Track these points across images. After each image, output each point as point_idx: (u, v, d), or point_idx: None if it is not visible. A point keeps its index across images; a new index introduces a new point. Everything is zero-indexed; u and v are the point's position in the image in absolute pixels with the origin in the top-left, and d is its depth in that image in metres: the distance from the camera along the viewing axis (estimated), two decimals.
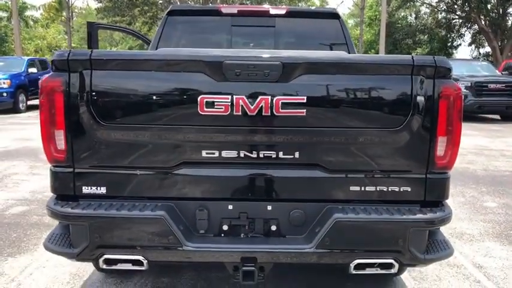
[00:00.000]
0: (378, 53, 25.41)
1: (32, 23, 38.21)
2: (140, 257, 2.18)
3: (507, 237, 4.09)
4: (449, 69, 2.20)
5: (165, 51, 2.42)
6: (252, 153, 2.18)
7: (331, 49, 4.04)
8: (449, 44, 33.62)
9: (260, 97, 2.10)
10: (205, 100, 2.10)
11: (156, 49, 3.95)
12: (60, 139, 2.17)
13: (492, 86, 13.24)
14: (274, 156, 2.18)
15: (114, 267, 2.28)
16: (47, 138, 2.18)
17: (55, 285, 3.07)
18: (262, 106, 2.10)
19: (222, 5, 3.93)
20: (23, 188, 5.38)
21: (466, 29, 32.58)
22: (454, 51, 34.50)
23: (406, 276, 3.29)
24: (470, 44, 33.56)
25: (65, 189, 2.23)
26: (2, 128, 10.43)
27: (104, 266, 2.24)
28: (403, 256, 2.19)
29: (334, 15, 4.01)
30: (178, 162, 2.19)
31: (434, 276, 3.31)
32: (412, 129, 2.18)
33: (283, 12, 3.99)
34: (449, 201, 2.37)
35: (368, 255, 2.19)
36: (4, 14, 34.85)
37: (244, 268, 2.17)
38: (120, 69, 2.16)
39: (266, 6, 4.07)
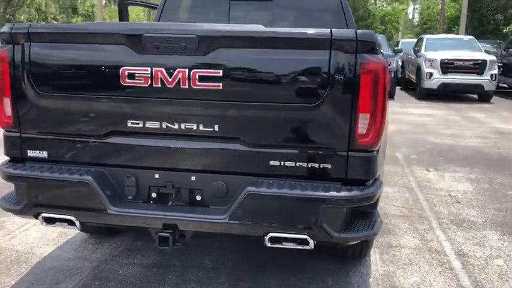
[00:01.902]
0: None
1: None
2: (72, 218, 2.35)
3: None
4: (374, 44, 2.11)
5: (91, 25, 2.54)
6: (173, 125, 2.25)
7: (327, 23, 3.94)
8: None
9: (178, 70, 2.15)
10: (126, 72, 2.19)
11: (158, 21, 4.10)
12: (8, 106, 2.38)
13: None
14: (194, 128, 2.24)
15: (52, 225, 2.48)
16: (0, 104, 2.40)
17: (42, 240, 3.38)
18: (179, 79, 2.16)
19: None
20: None
21: None
22: None
23: (376, 258, 3.23)
24: None
25: (14, 152, 2.45)
26: None
27: (44, 224, 2.44)
28: (315, 233, 2.17)
29: None
30: (107, 131, 2.32)
31: (406, 260, 3.22)
32: (331, 106, 2.12)
33: None
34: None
35: (281, 229, 2.20)
36: None
37: (160, 234, 2.28)
38: (53, 42, 2.32)
39: None
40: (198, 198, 2.34)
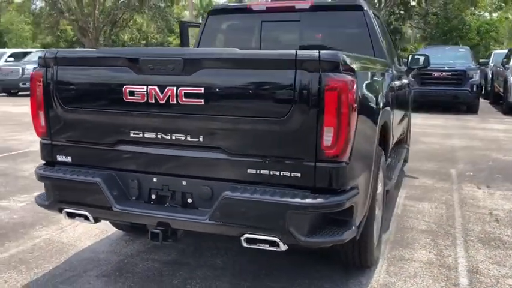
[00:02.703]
0: None
1: None
2: (87, 213, 2.77)
3: None
4: (337, 63, 2.28)
5: (102, 50, 2.95)
6: (166, 136, 2.58)
7: (352, 41, 4.09)
8: None
9: (167, 88, 2.48)
10: (128, 89, 2.57)
11: (198, 44, 4.52)
12: (42, 118, 2.86)
13: (436, 74, 12.74)
14: (183, 138, 2.55)
15: (74, 219, 2.91)
16: (35, 117, 2.90)
17: (85, 235, 3.87)
18: (169, 95, 2.48)
19: (254, 3, 4.25)
20: None
21: None
22: None
23: (382, 269, 3.30)
24: None
25: (47, 156, 2.93)
26: None
27: (67, 218, 2.89)
28: (283, 236, 2.37)
29: (357, 7, 4.04)
30: (116, 140, 2.71)
31: (411, 273, 3.25)
32: (299, 120, 2.32)
33: (307, 6, 4.17)
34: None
35: (253, 231, 2.42)
36: None
37: (152, 230, 2.61)
38: (73, 65, 2.77)
39: (293, 2, 4.27)
40: (189, 200, 2.63)
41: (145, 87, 2.53)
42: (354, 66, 2.43)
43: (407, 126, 6.20)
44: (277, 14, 4.28)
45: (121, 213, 2.66)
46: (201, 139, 2.52)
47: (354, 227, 2.52)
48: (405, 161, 6.55)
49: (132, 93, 2.56)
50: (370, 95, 2.77)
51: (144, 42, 37.91)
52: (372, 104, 2.78)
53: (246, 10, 4.40)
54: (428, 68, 13.19)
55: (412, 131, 9.08)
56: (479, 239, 3.87)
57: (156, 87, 2.51)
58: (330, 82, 2.27)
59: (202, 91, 2.43)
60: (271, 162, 2.43)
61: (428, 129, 9.95)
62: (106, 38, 34.83)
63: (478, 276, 3.21)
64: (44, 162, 2.98)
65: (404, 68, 5.81)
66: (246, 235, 2.44)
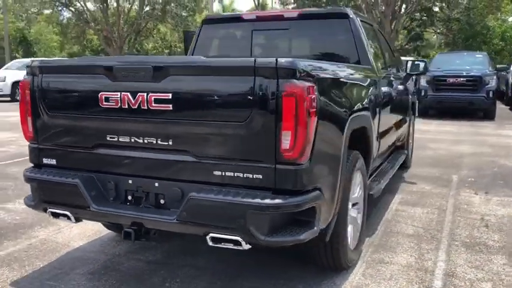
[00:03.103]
0: None
1: None
2: (68, 213, 2.93)
3: None
4: (294, 70, 2.39)
5: (81, 59, 3.11)
6: (139, 139, 2.72)
7: (338, 48, 4.18)
8: None
9: (139, 94, 2.63)
10: (103, 96, 2.72)
11: (193, 54, 4.68)
12: (30, 123, 3.05)
13: (451, 80, 12.79)
14: (154, 142, 2.69)
15: (58, 219, 3.07)
16: (23, 123, 3.08)
17: (80, 236, 4.05)
18: (140, 101, 2.63)
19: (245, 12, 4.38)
20: None
21: None
22: None
23: (358, 271, 3.36)
24: None
25: (35, 159, 3.12)
26: None
27: (52, 217, 3.06)
28: (245, 235, 2.47)
29: (342, 15, 4.13)
30: (94, 144, 2.87)
31: (387, 275, 3.30)
32: (258, 124, 2.43)
33: (295, 15, 4.29)
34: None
35: (217, 231, 2.53)
36: None
37: (124, 229, 2.75)
38: (56, 73, 2.94)
39: (283, 10, 4.39)
40: (162, 201, 2.77)
41: (118, 93, 2.68)
42: (314, 73, 2.53)
43: (407, 132, 6.22)
44: (268, 23, 4.41)
45: (98, 213, 2.81)
46: (170, 142, 2.65)
47: (316, 228, 2.60)
48: (406, 166, 6.57)
49: (107, 99, 2.72)
50: (337, 100, 2.86)
51: (167, 51, 38.59)
52: (337, 110, 2.86)
53: (238, 19, 4.55)
54: (444, 74, 13.18)
55: (422, 137, 9.11)
56: (464, 243, 3.88)
57: (128, 94, 2.66)
58: (287, 88, 2.37)
59: (170, 97, 2.57)
60: (235, 165, 2.54)
61: (439, 136, 9.89)
62: (130, 47, 35.58)
63: (453, 279, 3.24)
64: (32, 164, 3.16)
65: (403, 74, 5.86)
66: (211, 234, 2.55)
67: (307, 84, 2.43)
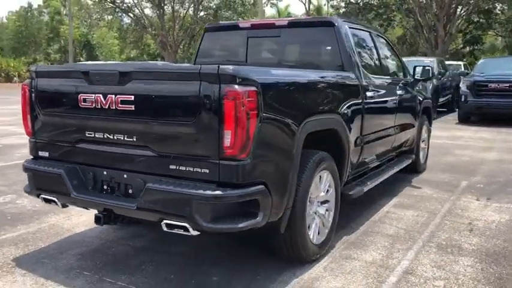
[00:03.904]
0: None
1: None
2: (55, 199, 3.36)
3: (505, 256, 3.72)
4: (234, 77, 2.67)
5: (67, 66, 3.52)
6: (110, 136, 3.10)
7: (324, 54, 4.40)
8: None
9: (108, 95, 3.01)
10: (82, 97, 3.13)
11: (196, 59, 5.06)
12: (29, 120, 3.52)
13: (493, 85, 12.32)
14: (122, 138, 3.06)
15: (50, 204, 3.51)
16: (24, 120, 3.56)
17: (85, 223, 4.50)
18: (110, 102, 3.01)
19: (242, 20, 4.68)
20: None
21: None
22: None
23: (323, 265, 3.57)
24: None
25: (33, 152, 3.58)
26: None
27: (44, 203, 3.50)
28: (190, 222, 2.77)
29: (328, 23, 4.34)
30: (77, 139, 3.28)
31: (347, 270, 3.48)
32: (204, 124, 2.74)
33: (285, 23, 4.55)
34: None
35: (169, 218, 2.85)
36: None
37: (95, 214, 3.13)
38: (47, 77, 3.39)
39: (275, 19, 4.67)
40: (130, 191, 3.13)
41: (93, 95, 3.08)
42: (257, 78, 2.80)
43: (416, 137, 6.27)
44: (261, 31, 4.70)
45: (77, 199, 3.22)
46: (134, 139, 3.01)
47: (259, 219, 2.87)
48: (417, 171, 6.61)
49: (84, 100, 3.12)
50: (287, 104, 3.09)
51: None
52: (288, 112, 3.09)
53: (236, 27, 4.87)
54: (485, 79, 12.83)
55: (451, 143, 9.10)
56: (438, 245, 3.98)
57: (100, 95, 3.04)
58: (227, 92, 2.66)
59: (133, 98, 2.93)
60: (187, 160, 2.86)
61: (470, 142, 9.73)
62: (185, 51, 36.80)
63: (409, 276, 3.38)
64: (31, 157, 3.63)
65: (410, 79, 5.95)
66: (165, 221, 2.88)
67: (248, 88, 2.70)
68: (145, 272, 3.43)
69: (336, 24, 4.31)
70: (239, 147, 2.71)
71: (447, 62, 19.23)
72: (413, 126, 6.07)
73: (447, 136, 10.58)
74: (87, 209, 3.49)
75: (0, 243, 3.95)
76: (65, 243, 4.01)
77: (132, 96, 2.94)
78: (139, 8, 34.93)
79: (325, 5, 35.13)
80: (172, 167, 2.91)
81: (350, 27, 4.51)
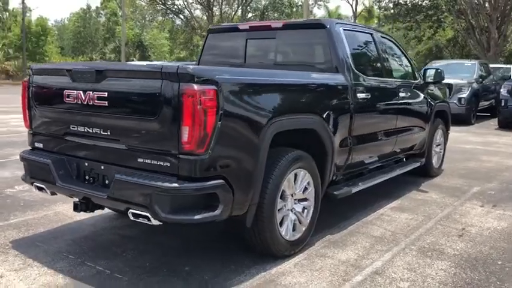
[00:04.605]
0: None
1: None
2: (44, 186, 3.64)
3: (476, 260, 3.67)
4: (192, 76, 2.83)
5: (56, 64, 3.79)
6: (90, 129, 3.34)
7: (316, 55, 4.48)
8: None
9: (87, 92, 3.25)
10: (66, 93, 3.39)
11: (200, 60, 5.26)
12: (27, 114, 3.84)
13: None
14: (99, 132, 3.29)
15: (42, 192, 3.79)
16: (23, 113, 3.88)
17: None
18: (88, 98, 3.25)
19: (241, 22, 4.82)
20: None
21: None
22: None
23: (296, 261, 3.65)
24: None
25: (30, 144, 3.89)
26: None
27: (37, 191, 3.79)
28: (151, 212, 2.95)
29: (320, 25, 4.41)
30: (64, 132, 3.55)
31: (317, 267, 3.55)
32: (165, 120, 2.91)
33: (280, 25, 4.66)
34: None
35: (134, 208, 3.04)
36: None
37: (74, 201, 3.37)
38: (40, 75, 3.68)
39: (272, 21, 4.79)
40: (107, 181, 3.35)
41: (75, 91, 3.33)
42: (218, 78, 2.94)
43: (427, 141, 6.18)
44: (258, 32, 4.83)
45: (61, 188, 3.48)
46: (108, 133, 3.24)
47: (218, 212, 3.00)
48: (430, 175, 6.51)
49: (68, 96, 3.38)
50: (252, 103, 3.21)
51: None
52: (253, 111, 3.20)
53: (235, 29, 5.02)
54: None
55: (480, 149, 8.95)
56: (420, 248, 3.96)
57: (81, 92, 3.29)
58: (186, 90, 2.83)
59: (106, 95, 3.15)
60: (152, 153, 3.05)
61: (501, 149, 9.41)
62: None
63: (376, 276, 3.41)
64: (29, 148, 3.94)
65: (420, 82, 5.89)
66: (130, 210, 3.08)
67: (206, 87, 2.85)
68: (124, 259, 3.65)
69: (328, 26, 4.37)
70: (196, 142, 2.86)
71: (496, 66, 18.47)
72: (423, 130, 5.99)
73: (480, 141, 10.26)
74: (71, 197, 3.75)
75: (6, 227, 4.30)
76: (63, 229, 4.31)
77: (106, 93, 3.16)
78: (189, 10, 35.81)
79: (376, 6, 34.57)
80: (140, 160, 3.11)
81: (345, 29, 4.55)
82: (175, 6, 35.43)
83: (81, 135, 3.42)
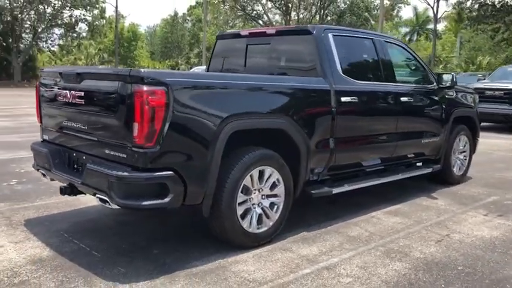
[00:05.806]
0: None
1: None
2: (44, 173, 4.22)
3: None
4: (141, 78, 3.22)
5: (55, 68, 4.33)
6: (75, 124, 3.86)
7: (305, 60, 4.69)
8: None
9: (71, 91, 3.77)
10: (58, 93, 3.95)
11: (210, 62, 5.68)
12: (38, 111, 4.47)
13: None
14: (80, 126, 3.79)
15: (45, 177, 4.38)
16: (36, 111, 4.51)
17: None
18: (71, 96, 3.77)
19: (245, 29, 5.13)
20: None
21: None
22: None
23: (256, 253, 3.91)
24: None
25: (41, 136, 4.52)
26: None
27: (42, 177, 4.39)
28: (108, 197, 3.38)
29: (307, 31, 4.61)
30: (60, 126, 4.11)
31: (273, 259, 3.77)
32: (121, 115, 3.34)
33: (273, 31, 4.93)
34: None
35: (99, 192, 3.49)
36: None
37: (60, 186, 3.90)
38: (44, 76, 4.28)
39: (267, 28, 5.06)
40: None
41: (63, 91, 3.87)
42: (167, 80, 3.30)
43: (444, 147, 6.08)
44: (256, 39, 5.13)
45: (54, 174, 4.04)
46: (86, 127, 3.73)
47: (167, 200, 3.36)
48: (449, 183, 6.38)
49: (59, 94, 3.93)
50: (203, 103, 3.50)
51: None
52: (204, 111, 3.50)
53: (238, 35, 5.36)
54: None
55: None
56: (387, 250, 4.02)
57: (67, 91, 3.82)
58: (136, 91, 3.23)
59: (83, 94, 3.65)
60: (114, 146, 3.48)
61: None
62: None
63: (323, 270, 3.56)
64: (40, 140, 4.57)
65: (434, 87, 5.85)
66: (97, 195, 3.53)
67: (154, 88, 3.23)
68: (107, 240, 4.12)
69: (313, 32, 4.56)
70: (145, 137, 3.25)
71: None
72: (436, 135, 5.91)
73: None
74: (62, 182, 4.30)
75: (29, 208, 4.97)
76: (73, 212, 4.90)
77: (82, 93, 3.65)
78: (267, 15, 36.52)
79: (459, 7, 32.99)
80: (107, 151, 3.56)
81: (336, 35, 4.70)
82: (255, 11, 36.29)
83: (70, 128, 3.95)
